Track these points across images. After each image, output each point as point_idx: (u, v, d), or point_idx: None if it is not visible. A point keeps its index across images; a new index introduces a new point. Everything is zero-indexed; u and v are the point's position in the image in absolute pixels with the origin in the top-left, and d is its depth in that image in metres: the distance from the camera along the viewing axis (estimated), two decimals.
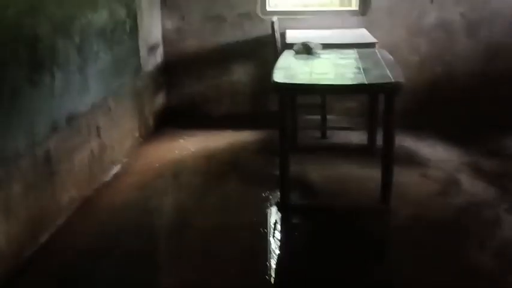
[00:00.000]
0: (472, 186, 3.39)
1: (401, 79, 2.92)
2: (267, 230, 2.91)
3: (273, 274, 2.50)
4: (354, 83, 2.95)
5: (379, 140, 3.21)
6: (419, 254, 2.67)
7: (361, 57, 3.52)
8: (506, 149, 4.02)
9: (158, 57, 4.66)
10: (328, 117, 4.25)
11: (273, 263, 2.60)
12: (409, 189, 3.35)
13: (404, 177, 3.39)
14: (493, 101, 4.48)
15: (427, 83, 4.60)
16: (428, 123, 4.41)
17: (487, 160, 3.79)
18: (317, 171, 3.61)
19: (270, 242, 2.80)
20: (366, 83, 2.90)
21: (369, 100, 3.97)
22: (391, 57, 3.54)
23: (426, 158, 3.87)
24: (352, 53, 3.64)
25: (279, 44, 4.01)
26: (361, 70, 3.14)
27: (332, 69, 3.25)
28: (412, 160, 3.82)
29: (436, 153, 3.95)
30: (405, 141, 4.03)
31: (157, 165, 3.82)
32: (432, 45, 4.59)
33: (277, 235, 2.86)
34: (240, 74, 4.76)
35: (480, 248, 2.70)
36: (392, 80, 2.89)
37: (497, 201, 3.18)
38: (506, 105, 4.37)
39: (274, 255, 2.68)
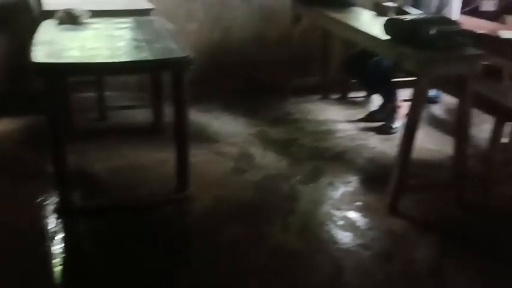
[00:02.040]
0: (265, 159, 3.34)
1: (190, 53, 2.60)
2: (46, 242, 2.37)
3: None
4: (138, 59, 2.52)
5: (167, 116, 2.86)
6: (224, 241, 2.48)
7: (138, 26, 3.09)
8: (289, 115, 4.09)
9: None
10: (105, 94, 3.74)
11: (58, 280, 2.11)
12: (206, 169, 3.13)
13: (198, 157, 3.14)
14: (271, 66, 4.52)
15: (207, 50, 4.40)
16: (212, 93, 4.24)
17: (273, 128, 3.80)
18: (101, 161, 3.13)
19: (51, 255, 2.27)
20: (152, 59, 2.51)
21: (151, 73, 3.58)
22: (171, 26, 3.20)
23: (216, 132, 3.70)
24: (127, 21, 3.18)
25: (36, 11, 3.30)
26: (142, 43, 2.72)
27: (107, 42, 2.75)
28: (203, 136, 3.60)
29: (225, 126, 3.80)
30: (191, 115, 3.75)
31: None
32: (208, 11, 4.38)
33: (59, 246, 2.35)
34: None
35: (283, 225, 2.63)
36: (182, 55, 2.56)
37: (290, 172, 3.18)
38: (284, 70, 4.44)
39: (58, 272, 2.18)
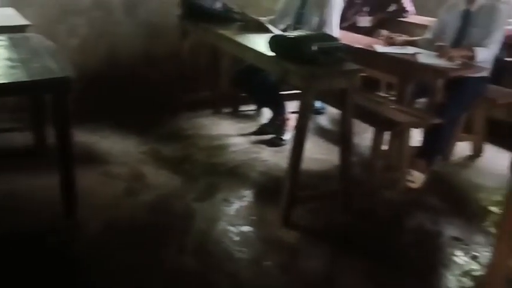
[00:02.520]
0: (158, 178, 3.26)
1: (70, 72, 2.47)
2: None
3: None
4: (12, 80, 2.35)
5: (49, 138, 2.69)
6: (118, 269, 2.37)
7: (13, 45, 2.89)
8: (182, 131, 4.05)
9: None
10: None
11: None
12: (95, 192, 2.99)
13: (85, 180, 2.98)
14: (162, 82, 4.44)
15: (92, 67, 4.22)
16: (100, 112, 4.06)
17: (166, 146, 3.74)
18: None
19: None
20: (28, 80, 2.34)
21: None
22: (49, 43, 3.03)
23: (105, 152, 3.56)
24: (0, 39, 2.95)
25: None
26: (17, 62, 2.54)
27: None
28: (91, 158, 3.44)
29: (115, 146, 3.67)
30: (78, 136, 3.57)
31: None
32: (92, 26, 4.22)
33: None
34: None
35: (179, 246, 2.58)
36: (61, 75, 2.42)
37: (184, 190, 3.13)
38: (175, 86, 4.38)
39: None
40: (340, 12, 3.83)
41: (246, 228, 2.78)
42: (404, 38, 3.76)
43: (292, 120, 3.88)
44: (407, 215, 3.00)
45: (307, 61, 2.69)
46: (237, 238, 2.68)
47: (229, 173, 3.41)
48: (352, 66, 2.73)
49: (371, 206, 3.07)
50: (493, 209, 3.12)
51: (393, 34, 3.78)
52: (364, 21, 4.62)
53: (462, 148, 3.84)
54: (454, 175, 3.57)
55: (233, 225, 2.79)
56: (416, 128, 3.13)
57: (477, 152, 3.87)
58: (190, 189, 3.15)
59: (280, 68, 2.84)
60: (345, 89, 2.74)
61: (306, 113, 2.71)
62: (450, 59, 3.27)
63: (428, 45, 3.65)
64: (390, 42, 3.62)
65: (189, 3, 3.92)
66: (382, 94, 5.11)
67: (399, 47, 3.58)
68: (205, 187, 3.19)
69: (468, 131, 3.79)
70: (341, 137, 2.89)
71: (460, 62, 3.26)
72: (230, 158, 3.63)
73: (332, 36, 3.01)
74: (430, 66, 3.20)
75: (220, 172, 3.42)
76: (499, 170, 3.63)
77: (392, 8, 4.79)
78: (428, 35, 3.74)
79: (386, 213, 3.02)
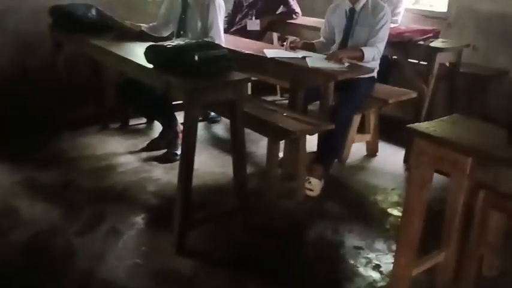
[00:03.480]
0: (33, 212, 2.87)
1: None
2: None
3: None
4: None
5: None
6: None
7: None
8: (63, 153, 3.65)
9: None
10: None
11: None
12: None
13: None
14: (38, 98, 3.98)
15: None
16: None
17: (44, 172, 3.33)
18: None
19: None
20: None
21: None
22: None
23: None
24: None
25: None
26: None
27: None
28: None
29: None
30: None
31: None
32: None
33: None
34: None
35: None
36: None
37: (63, 223, 2.78)
38: (53, 102, 3.94)
39: None
40: (224, 17, 3.65)
41: (136, 261, 2.50)
42: (304, 41, 3.66)
43: None
44: (308, 226, 2.89)
45: (190, 72, 2.47)
46: (123, 275, 2.39)
47: (117, 198, 3.10)
48: (239, 75, 2.56)
49: (271, 221, 2.92)
50: (391, 211, 3.10)
51: (292, 37, 3.67)
52: (253, 24, 4.49)
53: (357, 149, 3.83)
54: (351, 178, 3.53)
55: (121, 260, 2.50)
56: (311, 135, 3.03)
57: (372, 152, 3.88)
58: (71, 221, 2.80)
59: (161, 81, 2.60)
60: (234, 100, 2.56)
61: (191, 129, 2.48)
62: (339, 61, 3.21)
63: (323, 47, 3.60)
64: (292, 47, 3.50)
65: (59, 11, 3.54)
66: (277, 98, 5.08)
67: (288, 51, 3.47)
68: (90, 217, 2.86)
69: (362, 131, 3.78)
70: (233, 150, 2.71)
71: (348, 63, 3.21)
72: (119, 180, 3.32)
73: (216, 44, 2.82)
74: (320, 70, 3.12)
75: (107, 197, 3.10)
76: (394, 169, 3.67)
77: (281, 10, 4.70)
78: (321, 38, 3.69)
79: (287, 227, 2.89)
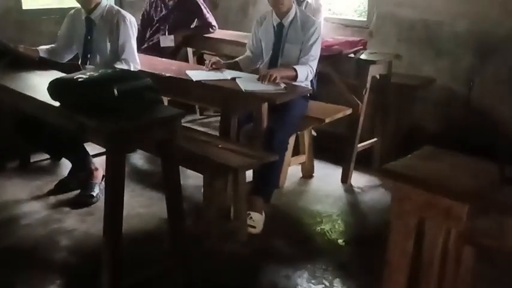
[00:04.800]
0: None
1: None
2: None
3: None
4: None
5: None
6: None
7: None
8: None
9: None
10: None
11: None
12: None
13: None
14: None
15: None
16: None
17: None
18: None
19: None
20: None
21: None
22: None
23: None
24: None
25: None
26: None
27: None
28: None
29: None
30: None
31: None
32: None
33: None
34: None
35: None
36: None
37: None
38: None
39: None
40: (136, 35, 3.21)
41: None
42: (228, 61, 3.32)
43: (100, 170, 3.16)
44: (258, 275, 2.54)
45: (109, 111, 2.03)
46: None
47: (24, 261, 2.56)
48: (170, 110, 2.15)
49: (216, 273, 2.53)
50: (342, 242, 2.85)
51: (214, 58, 3.30)
52: (167, 40, 4.07)
53: (292, 171, 3.56)
54: (292, 206, 3.24)
55: None
56: (253, 169, 2.69)
57: (308, 173, 3.62)
58: None
59: (72, 122, 2.12)
60: (166, 139, 2.15)
61: (116, 180, 2.04)
62: (274, 81, 2.91)
63: (249, 64, 3.29)
64: (215, 68, 3.13)
65: None
66: (197, 117, 4.69)
67: (216, 71, 3.11)
68: None
69: (296, 152, 3.51)
70: (168, 196, 2.30)
71: (285, 85, 2.91)
72: (24, 236, 2.77)
73: (137, 73, 2.41)
74: (255, 94, 2.79)
75: (10, 262, 2.54)
76: (333, 191, 3.45)
77: (196, 23, 4.32)
78: (247, 52, 3.36)
79: (236, 278, 2.52)
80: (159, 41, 4.09)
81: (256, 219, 2.85)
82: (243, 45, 3.59)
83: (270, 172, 2.96)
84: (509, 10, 3.53)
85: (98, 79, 2.11)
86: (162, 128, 2.10)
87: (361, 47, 3.56)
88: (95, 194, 3.14)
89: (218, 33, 4.31)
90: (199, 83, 2.95)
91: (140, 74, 2.37)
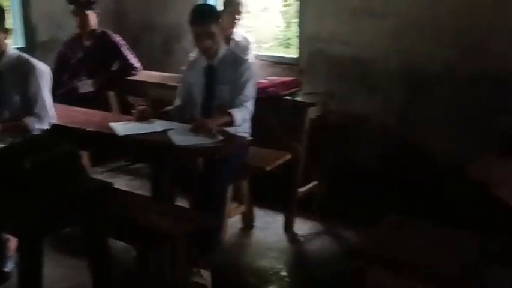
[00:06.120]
0: None
1: None
2: None
3: None
4: None
5: None
6: None
7: None
8: None
9: None
10: None
11: None
12: None
13: None
14: None
15: None
16: None
17: None
18: None
19: None
20: None
21: None
22: None
23: None
24: None
25: None
26: None
27: None
28: None
29: None
30: None
31: None
32: None
33: None
34: None
35: None
36: None
37: None
38: None
39: None
40: (50, 85, 2.86)
41: None
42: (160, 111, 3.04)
43: (13, 242, 2.74)
44: None
45: (18, 189, 1.69)
46: None
47: None
48: (97, 182, 1.84)
49: None
50: None
51: (142, 106, 3.00)
52: (86, 86, 3.71)
53: (232, 222, 3.30)
54: (236, 263, 2.98)
55: None
56: (191, 236, 2.40)
57: (249, 224, 3.38)
58: None
59: None
60: (92, 215, 1.83)
61: (31, 271, 1.69)
62: (209, 132, 2.65)
63: (180, 114, 3.02)
64: (142, 118, 2.84)
65: None
66: (122, 164, 4.31)
67: (144, 122, 2.81)
68: None
69: (235, 202, 3.27)
70: (93, 272, 1.96)
71: (221, 136, 2.66)
72: None
73: (50, 140, 2.05)
74: (190, 148, 2.53)
75: None
76: (277, 242, 3.24)
77: (117, 65, 3.99)
78: (178, 101, 3.09)
79: None
80: (77, 87, 3.72)
81: (207, 276, 2.64)
82: (171, 88, 3.33)
83: (214, 225, 2.69)
84: (441, 45, 3.53)
85: (3, 151, 1.76)
86: (86, 204, 1.77)
87: (297, 88, 3.41)
88: (8, 270, 2.71)
89: (142, 75, 4.01)
90: (126, 137, 2.64)
91: (57, 138, 2.03)
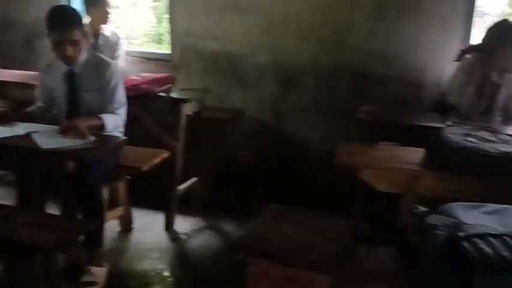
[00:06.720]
0: None
1: None
2: None
3: None
4: None
5: None
6: None
7: None
8: None
9: None
10: None
11: None
12: None
13: None
14: None
15: None
16: None
17: None
18: None
19: None
20: None
21: None
22: None
23: None
24: None
25: None
26: None
27: None
28: None
29: None
30: None
31: None
32: None
33: None
34: None
35: None
36: None
37: None
38: None
39: None
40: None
41: None
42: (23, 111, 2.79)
43: None
44: None
45: None
46: None
47: None
48: None
49: None
50: None
51: (1, 109, 2.73)
52: None
53: (109, 226, 3.16)
54: (114, 270, 2.84)
55: None
56: (67, 247, 2.26)
57: (127, 226, 3.27)
58: None
59: None
60: None
61: None
62: (78, 133, 2.50)
63: (46, 113, 2.81)
64: (2, 121, 2.58)
65: None
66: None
67: (4, 126, 2.57)
68: None
69: (111, 205, 3.13)
70: None
71: (93, 137, 2.52)
72: None
73: None
74: (58, 151, 2.36)
75: None
76: (158, 242, 3.17)
77: None
78: (40, 102, 2.86)
79: None
80: None
81: (98, 273, 2.58)
82: (34, 87, 3.07)
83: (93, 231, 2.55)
84: (306, 40, 3.69)
85: None
86: None
87: (171, 84, 3.35)
88: None
89: (2, 74, 3.66)
90: None
91: None
